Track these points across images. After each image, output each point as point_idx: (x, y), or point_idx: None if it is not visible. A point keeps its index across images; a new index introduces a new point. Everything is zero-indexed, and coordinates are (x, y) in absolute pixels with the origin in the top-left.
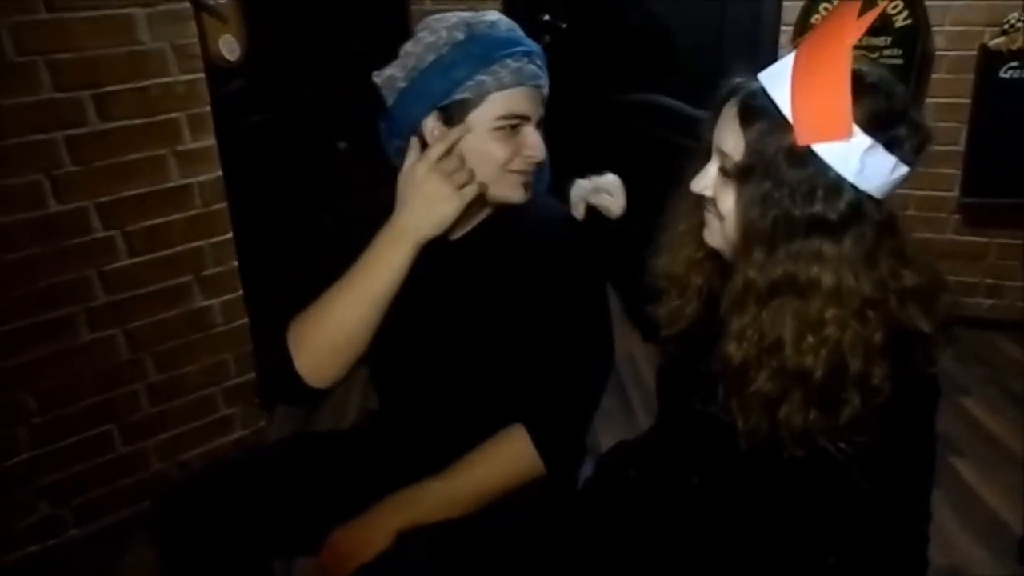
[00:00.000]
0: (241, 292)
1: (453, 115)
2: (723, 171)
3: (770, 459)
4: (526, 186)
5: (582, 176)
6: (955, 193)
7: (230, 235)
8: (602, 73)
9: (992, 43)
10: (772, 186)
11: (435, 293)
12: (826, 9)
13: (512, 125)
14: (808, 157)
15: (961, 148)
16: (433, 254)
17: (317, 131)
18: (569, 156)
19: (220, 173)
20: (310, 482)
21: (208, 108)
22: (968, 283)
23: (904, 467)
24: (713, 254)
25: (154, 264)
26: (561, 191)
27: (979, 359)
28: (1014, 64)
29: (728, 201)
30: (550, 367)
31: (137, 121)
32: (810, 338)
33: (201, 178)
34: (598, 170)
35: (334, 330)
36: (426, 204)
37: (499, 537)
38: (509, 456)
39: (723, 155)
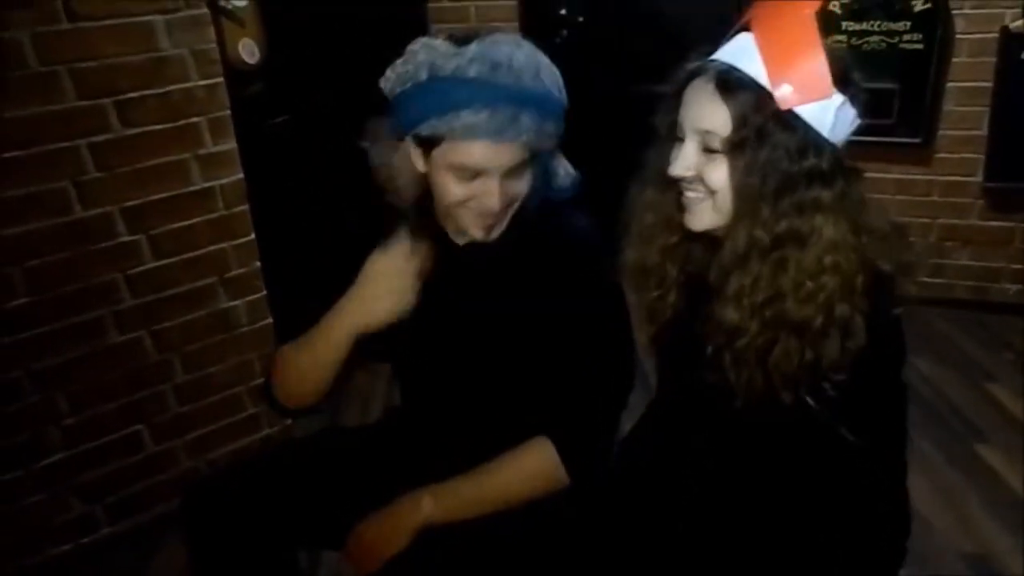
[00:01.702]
0: (264, 292)
1: (423, 143)
2: (707, 149)
3: (765, 417)
4: (487, 228)
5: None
6: (979, 178)
7: (252, 236)
8: (619, 66)
9: (1014, 25)
10: (769, 151)
11: (458, 295)
12: None
13: (468, 174)
14: (794, 119)
15: (984, 132)
16: (457, 256)
17: (337, 132)
18: (588, 149)
19: (241, 175)
20: (335, 477)
21: (228, 112)
22: (993, 268)
23: (879, 412)
24: (690, 238)
25: (179, 266)
26: (586, 186)
27: (1005, 345)
28: None
29: (718, 175)
30: (572, 380)
31: (159, 126)
32: (809, 284)
33: (223, 181)
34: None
35: (302, 362)
36: (372, 299)
37: (521, 544)
38: (535, 466)
39: (705, 133)
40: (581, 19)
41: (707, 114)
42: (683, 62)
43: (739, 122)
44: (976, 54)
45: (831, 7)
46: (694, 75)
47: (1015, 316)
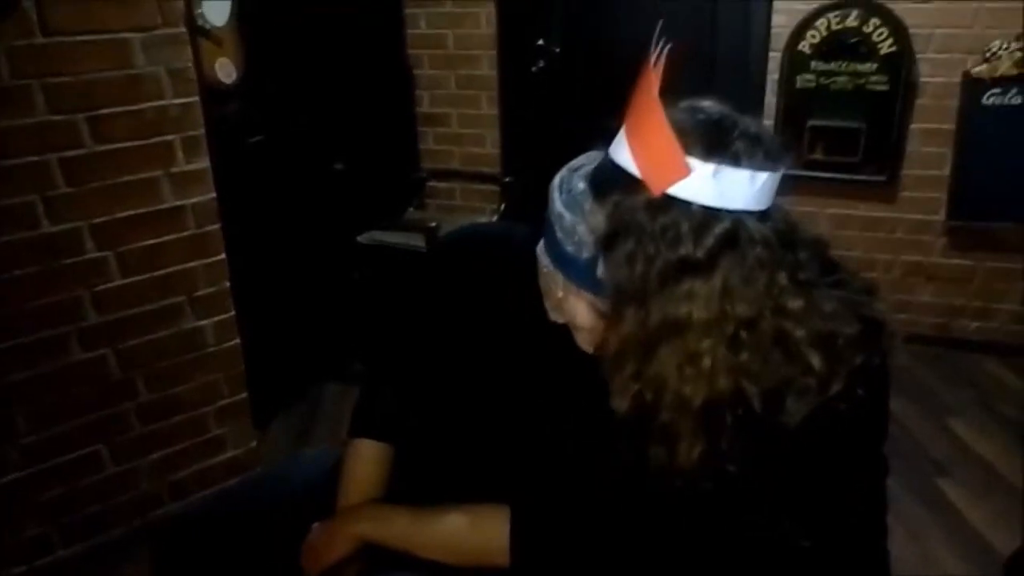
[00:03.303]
0: (233, 312)
1: None
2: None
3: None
4: (596, 351)
5: None
6: (941, 216)
7: (223, 256)
8: (595, 97)
9: (975, 70)
10: (635, 243)
11: (531, 352)
12: (824, 22)
13: None
14: (668, 202)
15: (946, 172)
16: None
17: (313, 152)
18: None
19: (214, 195)
20: (308, 512)
21: (202, 131)
22: (955, 305)
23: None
24: None
25: (147, 284)
26: None
27: (967, 381)
28: (996, 91)
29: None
30: (569, 485)
31: (131, 143)
32: (688, 370)
33: (194, 200)
34: None
35: None
36: None
37: None
38: (479, 531)
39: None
40: (558, 49)
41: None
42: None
43: (611, 217)
44: (939, 96)
45: (799, 47)
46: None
47: (976, 352)
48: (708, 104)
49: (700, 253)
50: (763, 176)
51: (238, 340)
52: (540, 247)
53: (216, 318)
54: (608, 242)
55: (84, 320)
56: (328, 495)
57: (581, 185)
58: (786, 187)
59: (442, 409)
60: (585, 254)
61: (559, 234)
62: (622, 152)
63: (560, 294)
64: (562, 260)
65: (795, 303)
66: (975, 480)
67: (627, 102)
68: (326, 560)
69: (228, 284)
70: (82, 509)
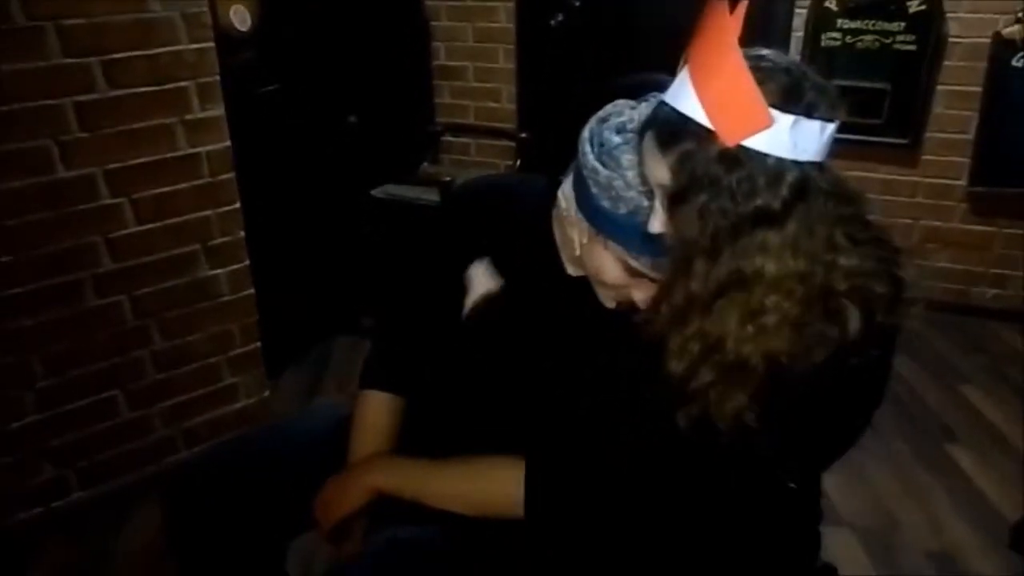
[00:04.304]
0: (247, 262)
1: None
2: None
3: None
4: (617, 305)
5: None
6: (963, 182)
7: (237, 205)
8: (616, 51)
9: (1007, 31)
10: (709, 197)
11: (544, 314)
12: None
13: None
14: (742, 154)
15: (971, 136)
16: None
17: (327, 104)
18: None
19: (228, 143)
20: (317, 462)
21: (217, 78)
22: (973, 272)
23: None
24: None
25: (161, 232)
26: None
27: (980, 348)
28: None
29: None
30: (588, 437)
31: (146, 89)
32: (749, 328)
33: (209, 147)
34: None
35: None
36: None
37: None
38: (494, 482)
39: (660, 188)
40: (578, 3)
41: (657, 171)
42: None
43: (677, 171)
44: (968, 58)
45: (826, 4)
46: (646, 127)
47: (992, 320)
48: (770, 52)
49: (776, 204)
50: (830, 127)
51: (252, 290)
52: (565, 192)
53: (230, 267)
54: (677, 196)
55: (99, 267)
56: (339, 446)
57: (615, 139)
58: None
59: (453, 360)
60: (623, 209)
61: (593, 189)
62: (686, 101)
63: (584, 243)
64: (596, 215)
65: (848, 260)
66: (984, 447)
67: (687, 47)
68: (340, 512)
69: (242, 234)
70: (97, 454)
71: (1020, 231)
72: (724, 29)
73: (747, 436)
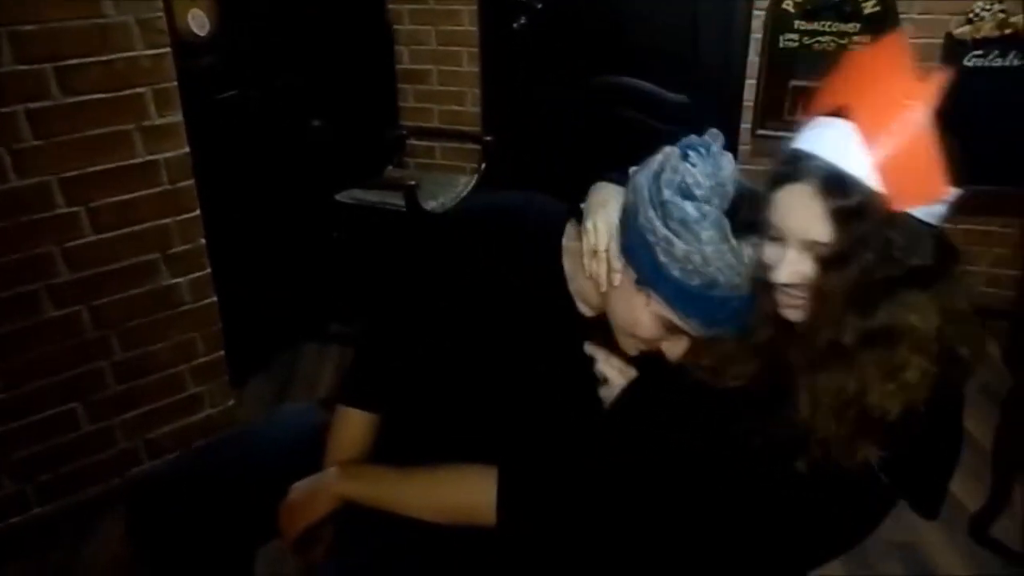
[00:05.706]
0: (209, 270)
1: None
2: (816, 258)
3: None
4: (640, 353)
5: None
6: None
7: (197, 212)
8: (577, 55)
9: (957, 32)
10: (873, 255)
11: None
12: None
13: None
14: (904, 217)
15: None
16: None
17: (290, 108)
18: (547, 138)
19: (187, 150)
20: (284, 468)
21: (175, 83)
22: None
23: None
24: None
25: (120, 241)
26: (547, 177)
27: None
28: (979, 52)
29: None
30: (559, 454)
31: (101, 96)
32: (891, 385)
33: (168, 154)
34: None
35: None
36: None
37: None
38: (466, 491)
39: (812, 244)
40: (540, 5)
41: (812, 225)
42: (775, 160)
43: (843, 231)
44: (922, 58)
45: (783, 6)
46: (790, 177)
47: None
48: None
49: (930, 261)
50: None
51: (214, 298)
52: (598, 227)
53: (191, 275)
54: (840, 255)
55: (56, 277)
56: (306, 452)
57: (690, 210)
58: None
59: (435, 379)
60: (696, 280)
61: (662, 258)
62: (851, 159)
63: (615, 286)
64: (659, 280)
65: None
66: None
67: (837, 91)
68: (305, 520)
69: (203, 241)
70: (58, 467)
71: (979, 227)
72: (904, 88)
73: (869, 473)
